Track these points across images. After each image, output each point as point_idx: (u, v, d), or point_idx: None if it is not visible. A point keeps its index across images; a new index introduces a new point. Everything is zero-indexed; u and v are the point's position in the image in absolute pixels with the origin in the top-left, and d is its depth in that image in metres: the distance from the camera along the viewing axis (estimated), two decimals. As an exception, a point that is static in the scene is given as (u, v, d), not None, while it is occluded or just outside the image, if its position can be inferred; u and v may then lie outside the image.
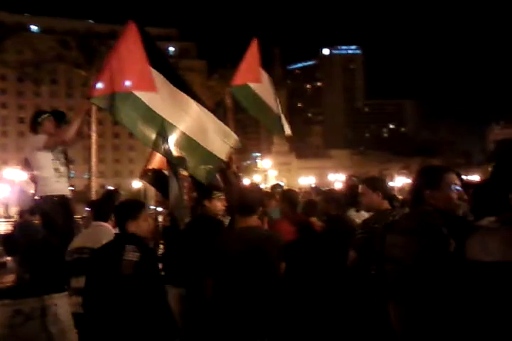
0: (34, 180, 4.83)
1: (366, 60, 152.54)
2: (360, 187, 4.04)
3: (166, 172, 4.80)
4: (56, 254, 4.70)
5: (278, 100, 6.62)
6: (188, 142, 4.68)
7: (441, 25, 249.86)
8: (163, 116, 4.56)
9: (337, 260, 3.95)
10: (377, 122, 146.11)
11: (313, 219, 4.78)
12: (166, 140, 4.48)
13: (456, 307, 2.12)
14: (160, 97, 4.59)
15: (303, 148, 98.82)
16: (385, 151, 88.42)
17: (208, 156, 4.75)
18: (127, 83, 4.45)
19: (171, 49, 71.45)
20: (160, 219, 7.74)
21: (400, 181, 58.45)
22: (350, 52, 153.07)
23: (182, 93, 4.75)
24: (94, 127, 24.72)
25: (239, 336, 3.19)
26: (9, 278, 7.47)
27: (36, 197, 4.85)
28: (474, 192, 2.43)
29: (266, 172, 49.12)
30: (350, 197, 5.07)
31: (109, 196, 4.50)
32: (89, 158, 25.51)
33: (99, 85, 4.42)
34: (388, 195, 4.04)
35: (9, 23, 35.54)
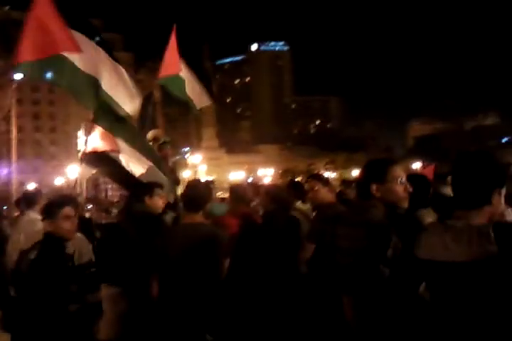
0: None
1: (294, 56, 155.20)
2: (310, 183, 4.34)
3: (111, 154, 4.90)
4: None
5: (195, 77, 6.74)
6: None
7: (366, 22, 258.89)
8: (94, 75, 4.90)
9: (279, 252, 4.05)
10: (304, 118, 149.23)
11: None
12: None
13: (402, 297, 2.23)
14: (86, 57, 4.84)
15: (232, 143, 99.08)
16: (311, 146, 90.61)
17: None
18: (51, 47, 4.58)
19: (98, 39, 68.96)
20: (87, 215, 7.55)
21: (325, 175, 60.10)
22: (278, 48, 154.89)
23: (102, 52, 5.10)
24: (14, 121, 23.45)
25: (183, 332, 3.19)
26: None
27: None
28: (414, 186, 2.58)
29: (196, 167, 48.77)
30: (290, 190, 5.21)
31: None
32: (9, 154, 24.20)
33: (23, 52, 4.55)
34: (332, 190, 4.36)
35: None
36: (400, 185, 2.52)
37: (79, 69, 4.79)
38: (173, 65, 6.15)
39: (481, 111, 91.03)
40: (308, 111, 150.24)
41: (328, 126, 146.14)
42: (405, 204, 2.53)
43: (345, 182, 6.27)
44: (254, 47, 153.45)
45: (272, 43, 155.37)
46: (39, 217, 4.39)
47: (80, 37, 4.86)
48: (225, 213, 4.51)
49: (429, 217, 2.49)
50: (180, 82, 6.28)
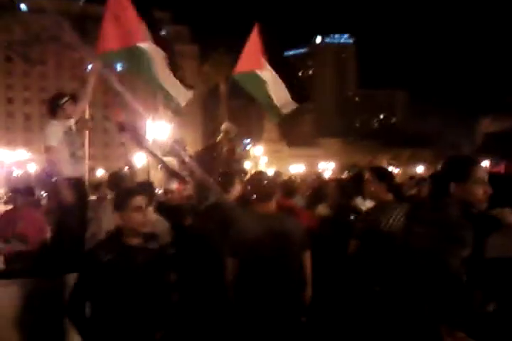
0: (51, 162, 4.86)
1: (358, 49, 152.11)
2: (366, 175, 4.12)
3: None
4: (67, 236, 4.81)
5: (282, 83, 6.68)
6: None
7: (434, 16, 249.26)
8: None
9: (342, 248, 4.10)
10: (367, 112, 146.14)
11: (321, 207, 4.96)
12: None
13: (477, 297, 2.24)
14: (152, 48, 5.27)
15: (293, 135, 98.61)
16: (374, 141, 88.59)
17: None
18: (128, 38, 4.95)
19: (163, 33, 70.55)
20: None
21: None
22: (342, 41, 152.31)
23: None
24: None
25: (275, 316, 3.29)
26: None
27: (52, 180, 4.90)
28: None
29: (257, 159, 49.10)
30: (355, 185, 5.21)
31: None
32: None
33: (103, 43, 4.88)
34: (393, 186, 4.14)
35: (1, 2, 34.80)
36: (480, 186, 2.49)
37: (150, 58, 5.16)
38: (253, 62, 6.21)
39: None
40: (372, 104, 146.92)
41: (393, 120, 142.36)
42: (482, 206, 2.50)
43: (418, 180, 6.12)
44: (318, 39, 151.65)
45: (337, 36, 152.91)
46: None
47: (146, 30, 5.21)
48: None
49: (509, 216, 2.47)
50: (256, 80, 6.32)
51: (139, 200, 2.85)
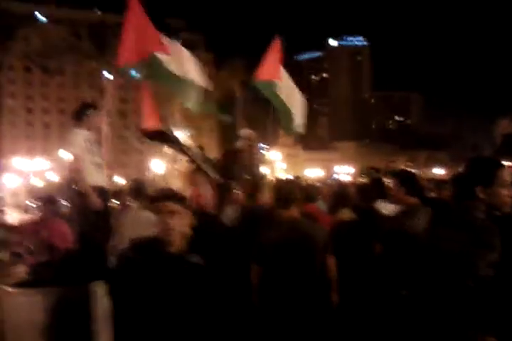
0: (76, 170, 4.94)
1: (373, 51, 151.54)
2: (391, 180, 4.14)
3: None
4: (91, 244, 4.88)
5: (300, 96, 6.75)
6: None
7: (449, 17, 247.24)
8: (180, 74, 5.47)
9: (366, 251, 4.10)
10: (383, 114, 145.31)
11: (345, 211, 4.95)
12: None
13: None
14: (172, 58, 5.38)
15: (309, 139, 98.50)
16: (391, 144, 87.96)
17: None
18: (147, 48, 5.06)
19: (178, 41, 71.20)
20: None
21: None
22: (357, 43, 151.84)
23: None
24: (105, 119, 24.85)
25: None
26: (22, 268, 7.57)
27: (74, 187, 4.99)
28: None
29: (273, 164, 49.04)
30: (375, 189, 5.21)
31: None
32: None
33: (123, 56, 4.96)
34: (417, 190, 4.13)
35: (19, 13, 35.44)
36: (506, 188, 2.48)
37: (168, 69, 5.25)
38: (272, 71, 6.31)
39: None
40: (388, 107, 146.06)
41: (409, 122, 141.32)
42: (508, 209, 2.49)
43: (438, 182, 6.08)
44: (332, 42, 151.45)
45: (351, 38, 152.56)
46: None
47: (165, 39, 5.31)
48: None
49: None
50: (274, 89, 6.43)
51: (169, 205, 2.67)
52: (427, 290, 2.52)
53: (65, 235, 5.81)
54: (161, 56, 5.21)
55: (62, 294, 4.32)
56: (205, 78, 5.68)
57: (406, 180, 4.10)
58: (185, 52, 5.60)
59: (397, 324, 3.71)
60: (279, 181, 3.80)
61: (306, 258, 3.35)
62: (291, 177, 9.43)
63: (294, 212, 3.51)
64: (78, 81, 74.75)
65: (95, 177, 4.94)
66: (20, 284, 4.58)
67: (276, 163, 50.93)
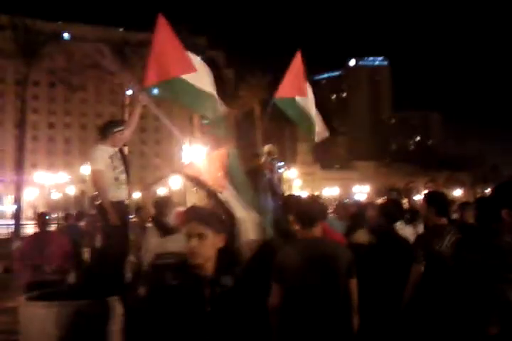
0: (99, 186, 4.94)
1: (393, 71, 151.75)
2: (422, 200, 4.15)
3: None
4: (111, 258, 4.87)
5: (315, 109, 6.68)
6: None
7: (469, 38, 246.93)
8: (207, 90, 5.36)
9: (390, 274, 4.00)
10: (403, 134, 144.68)
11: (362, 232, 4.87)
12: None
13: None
14: (198, 75, 5.29)
15: (327, 158, 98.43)
16: (410, 164, 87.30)
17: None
18: (173, 70, 5.06)
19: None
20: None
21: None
22: (376, 63, 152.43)
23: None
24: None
25: None
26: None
27: (97, 203, 5.00)
28: None
29: (291, 182, 49.06)
30: (396, 209, 5.12)
31: None
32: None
33: (150, 76, 5.03)
34: (445, 210, 4.08)
35: (44, 31, 36.42)
36: None
37: (193, 86, 5.24)
38: (295, 88, 6.18)
39: None
40: (408, 127, 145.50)
41: (429, 142, 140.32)
42: None
43: (462, 203, 5.97)
44: (352, 62, 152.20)
45: (371, 58, 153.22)
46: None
47: (191, 56, 5.29)
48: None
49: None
50: (295, 105, 6.31)
51: (191, 226, 2.46)
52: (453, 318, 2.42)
53: (61, 247, 6.35)
54: (186, 76, 5.19)
55: (78, 308, 4.30)
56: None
57: (434, 200, 4.07)
58: (207, 69, 5.60)
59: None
60: (301, 199, 3.71)
61: (329, 279, 3.25)
62: (305, 194, 9.37)
63: (317, 231, 3.44)
64: (100, 97, 76.24)
65: (117, 193, 4.94)
66: (36, 296, 4.58)
67: (293, 181, 51.02)
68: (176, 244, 4.16)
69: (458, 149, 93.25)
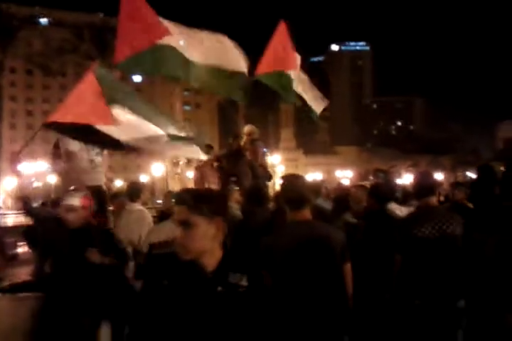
0: (67, 170, 4.69)
1: (375, 56, 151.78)
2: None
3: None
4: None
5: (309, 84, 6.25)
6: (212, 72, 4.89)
7: (451, 22, 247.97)
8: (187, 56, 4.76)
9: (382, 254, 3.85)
10: (385, 119, 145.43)
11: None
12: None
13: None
14: (177, 39, 4.73)
15: (310, 144, 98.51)
16: (392, 149, 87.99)
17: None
18: (145, 38, 4.57)
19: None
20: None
21: (407, 178, 58.45)
22: (358, 48, 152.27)
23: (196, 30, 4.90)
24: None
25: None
26: (23, 271, 7.34)
27: (71, 188, 4.72)
28: None
29: (274, 167, 48.96)
30: (385, 191, 4.97)
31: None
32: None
33: (121, 50, 4.56)
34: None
35: (20, 16, 35.39)
36: None
37: (175, 51, 4.74)
38: (283, 61, 5.63)
39: None
40: (390, 112, 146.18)
41: (411, 127, 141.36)
42: None
43: (453, 183, 5.83)
44: (334, 47, 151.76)
45: (353, 43, 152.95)
46: (143, 209, 4.47)
47: (167, 22, 4.80)
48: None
49: None
50: (286, 79, 5.73)
51: (185, 213, 2.02)
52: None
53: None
54: (168, 42, 4.70)
55: (48, 300, 4.06)
56: (241, 64, 5.00)
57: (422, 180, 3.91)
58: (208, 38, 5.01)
59: (411, 334, 3.47)
60: (291, 180, 3.46)
61: (323, 263, 3.05)
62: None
63: (307, 213, 3.22)
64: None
65: (92, 177, 4.68)
66: (8, 289, 4.32)
67: (277, 167, 50.89)
68: (169, 231, 3.90)
69: (439, 133, 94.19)
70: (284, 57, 5.58)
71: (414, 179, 4.06)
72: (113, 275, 3.74)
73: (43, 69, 43.32)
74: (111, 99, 4.20)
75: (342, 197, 5.40)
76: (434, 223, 3.47)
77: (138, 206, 4.96)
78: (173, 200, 2.21)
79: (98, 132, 4.10)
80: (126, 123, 4.13)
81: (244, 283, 1.93)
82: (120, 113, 4.14)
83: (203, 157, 4.91)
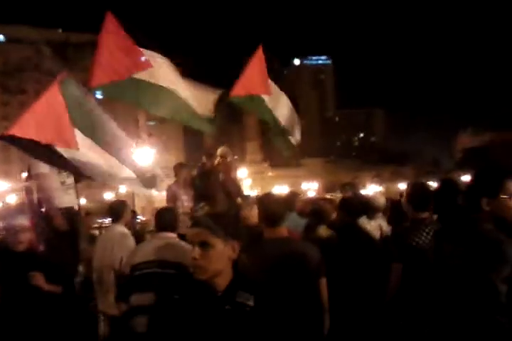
0: (42, 189, 4.65)
1: (336, 70, 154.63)
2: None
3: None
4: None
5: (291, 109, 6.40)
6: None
7: (410, 35, 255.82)
8: (165, 85, 4.94)
9: (356, 269, 3.94)
10: (347, 131, 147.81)
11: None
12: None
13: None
14: (156, 71, 4.87)
15: (276, 156, 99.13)
16: (355, 160, 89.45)
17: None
18: (126, 68, 4.63)
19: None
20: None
21: (372, 189, 59.35)
22: (320, 62, 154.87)
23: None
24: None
25: None
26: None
27: (42, 209, 4.69)
28: None
29: (241, 181, 49.02)
30: (357, 206, 5.08)
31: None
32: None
33: (97, 76, 4.57)
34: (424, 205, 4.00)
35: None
36: None
37: (152, 84, 4.87)
38: (258, 85, 5.76)
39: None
40: (352, 124, 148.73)
41: (372, 139, 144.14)
42: None
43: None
44: (296, 61, 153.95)
45: (315, 57, 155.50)
46: (126, 230, 4.45)
47: (148, 53, 4.92)
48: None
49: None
50: (261, 103, 5.87)
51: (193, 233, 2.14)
52: (438, 313, 2.36)
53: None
54: (143, 75, 4.77)
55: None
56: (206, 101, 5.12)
57: (415, 194, 3.97)
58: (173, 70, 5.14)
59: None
60: (265, 198, 3.55)
61: (298, 279, 3.13)
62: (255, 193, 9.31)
63: (283, 230, 3.31)
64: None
65: (64, 198, 4.65)
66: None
67: (243, 181, 50.96)
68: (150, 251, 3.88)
69: (400, 144, 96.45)
70: (259, 82, 5.76)
71: (411, 190, 4.07)
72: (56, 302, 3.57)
73: (1, 86, 42.33)
74: (73, 119, 4.08)
75: (318, 210, 5.50)
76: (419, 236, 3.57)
77: (120, 227, 4.88)
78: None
79: (58, 154, 3.96)
80: (86, 149, 4.04)
81: (251, 303, 2.05)
82: (79, 136, 4.04)
83: (153, 192, 4.90)
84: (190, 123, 5.36)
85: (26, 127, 3.99)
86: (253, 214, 4.27)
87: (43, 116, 4.04)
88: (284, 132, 6.20)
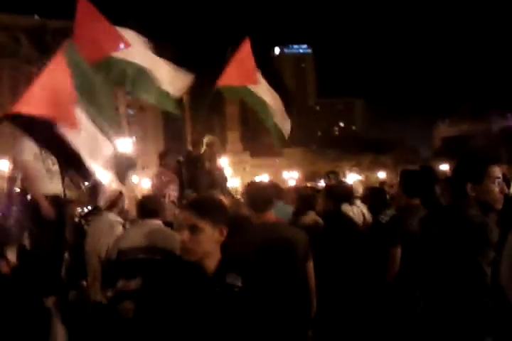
0: (27, 177, 4.60)
1: (317, 58, 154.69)
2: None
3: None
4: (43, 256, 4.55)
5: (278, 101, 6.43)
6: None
7: (389, 25, 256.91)
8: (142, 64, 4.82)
9: (342, 255, 4.01)
10: (328, 121, 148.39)
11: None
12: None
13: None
14: (133, 50, 4.78)
15: (256, 146, 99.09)
16: (336, 149, 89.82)
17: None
18: (103, 49, 4.58)
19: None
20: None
21: (351, 178, 59.90)
22: (301, 51, 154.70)
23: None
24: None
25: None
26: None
27: (28, 197, 4.64)
28: None
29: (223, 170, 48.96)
30: (344, 191, 5.15)
31: None
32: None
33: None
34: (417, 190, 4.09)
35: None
36: (497, 185, 2.45)
37: (131, 62, 4.78)
38: (244, 76, 5.80)
39: (509, 112, 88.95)
40: (332, 113, 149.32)
41: (353, 128, 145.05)
42: (500, 206, 2.46)
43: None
44: (277, 50, 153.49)
45: (295, 46, 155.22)
46: (118, 219, 4.45)
47: (126, 31, 4.84)
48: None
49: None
50: (250, 94, 5.90)
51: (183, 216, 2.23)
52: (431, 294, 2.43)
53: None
54: (120, 54, 4.72)
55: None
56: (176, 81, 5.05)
57: (408, 179, 4.10)
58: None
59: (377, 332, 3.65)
60: (253, 184, 3.61)
61: (286, 264, 3.19)
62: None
63: (271, 215, 3.36)
64: (17, 86, 71.77)
65: (49, 186, 4.61)
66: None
67: (224, 170, 50.93)
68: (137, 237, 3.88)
69: (379, 133, 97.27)
70: (245, 72, 5.80)
71: (404, 178, 4.16)
72: None
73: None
74: (76, 85, 3.95)
75: (305, 196, 5.55)
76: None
77: (111, 216, 4.84)
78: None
79: (58, 139, 3.81)
80: (85, 132, 3.96)
81: (239, 283, 2.11)
82: (81, 116, 3.92)
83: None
84: (158, 102, 5.25)
85: (27, 104, 3.89)
86: (234, 203, 4.32)
87: (48, 92, 3.92)
88: (275, 122, 6.24)
